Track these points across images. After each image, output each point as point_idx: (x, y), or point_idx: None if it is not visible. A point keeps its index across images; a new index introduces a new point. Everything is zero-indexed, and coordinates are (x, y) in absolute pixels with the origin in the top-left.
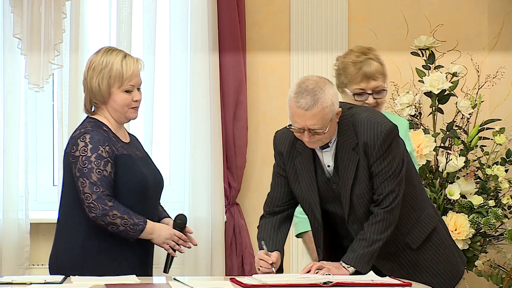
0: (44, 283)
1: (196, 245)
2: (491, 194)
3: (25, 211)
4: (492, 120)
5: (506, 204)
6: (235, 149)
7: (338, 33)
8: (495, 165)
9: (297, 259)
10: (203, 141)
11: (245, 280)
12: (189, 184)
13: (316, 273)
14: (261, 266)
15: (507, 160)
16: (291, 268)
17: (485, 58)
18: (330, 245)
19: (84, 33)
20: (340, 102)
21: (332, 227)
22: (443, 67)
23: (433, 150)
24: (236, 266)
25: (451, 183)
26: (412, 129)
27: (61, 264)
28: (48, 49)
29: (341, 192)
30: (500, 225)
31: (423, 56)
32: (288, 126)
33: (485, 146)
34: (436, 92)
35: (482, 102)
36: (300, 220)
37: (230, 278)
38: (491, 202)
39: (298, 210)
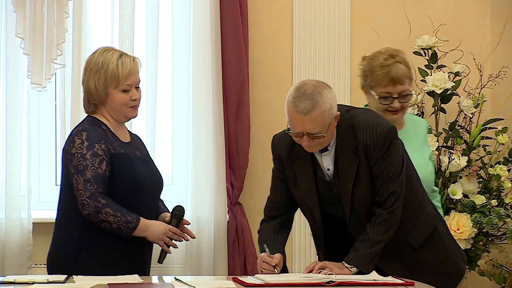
0: (47, 283)
1: (194, 237)
2: (493, 193)
3: (27, 211)
4: (495, 120)
5: (509, 204)
6: (238, 149)
7: (340, 32)
8: (497, 164)
9: (299, 259)
10: (206, 140)
11: (248, 279)
12: (191, 183)
13: (319, 272)
14: (264, 268)
15: (510, 159)
16: (293, 268)
17: (487, 58)
18: (331, 248)
19: (87, 33)
20: (337, 104)
21: (333, 229)
22: (445, 66)
23: (436, 150)
24: (239, 265)
25: (454, 182)
26: None
27: (57, 262)
28: (50, 48)
29: (341, 194)
30: (502, 225)
31: (425, 55)
32: (287, 130)
33: (488, 145)
34: (439, 91)
35: (484, 101)
36: None
37: (233, 278)
38: (494, 202)
39: None
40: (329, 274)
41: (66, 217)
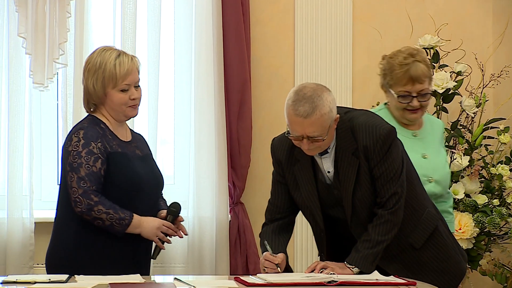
0: (49, 282)
1: (187, 235)
2: (495, 193)
3: (29, 210)
4: (497, 119)
5: (511, 203)
6: (240, 148)
7: (342, 32)
8: (499, 164)
9: (301, 259)
10: (208, 140)
11: (250, 279)
12: (193, 183)
13: (321, 272)
14: (266, 267)
15: None
16: (295, 268)
17: (489, 57)
18: (333, 250)
19: (89, 32)
20: (336, 107)
21: (335, 231)
22: (447, 66)
23: None
24: (241, 265)
25: (456, 182)
26: None
27: (56, 261)
28: (52, 48)
29: (342, 196)
30: (504, 224)
31: (427, 55)
32: (286, 134)
33: (490, 145)
34: (441, 91)
35: (486, 101)
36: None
37: (235, 277)
38: (496, 201)
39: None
40: (331, 273)
41: (64, 216)
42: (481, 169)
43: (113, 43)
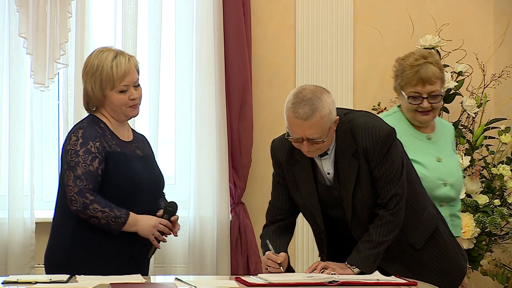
0: (49, 282)
1: (176, 236)
2: (496, 193)
3: (30, 210)
4: (498, 119)
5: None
6: (241, 148)
7: (343, 32)
8: (500, 164)
9: (301, 259)
10: (209, 140)
11: (251, 279)
12: (194, 183)
13: (321, 272)
14: (269, 266)
15: None
16: (296, 268)
17: (490, 57)
18: (334, 251)
19: (90, 32)
20: (336, 108)
21: (335, 232)
22: (448, 66)
23: None
24: (242, 265)
25: None
26: None
27: (54, 261)
28: (53, 48)
29: (343, 198)
30: (505, 224)
31: None
32: (286, 136)
33: (491, 145)
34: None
35: (487, 101)
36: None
37: (236, 277)
38: (497, 201)
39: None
40: (332, 274)
41: (62, 215)
42: (482, 169)
43: (114, 43)
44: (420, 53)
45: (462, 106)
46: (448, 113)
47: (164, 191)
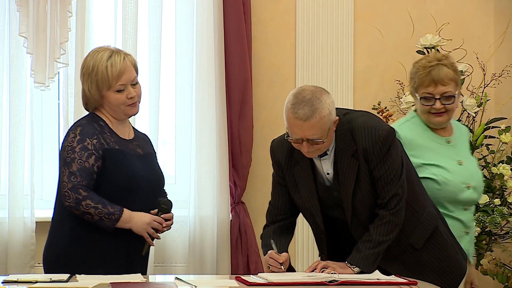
0: (50, 282)
1: (159, 238)
2: (496, 192)
3: (30, 210)
4: (498, 119)
5: None
6: (241, 148)
7: (343, 32)
8: (500, 163)
9: (302, 258)
10: (209, 139)
11: (251, 278)
12: (194, 182)
13: (322, 272)
14: (270, 265)
15: None
16: (297, 268)
17: (490, 57)
18: (333, 251)
19: (90, 32)
20: (335, 108)
21: (335, 232)
22: None
23: None
24: (242, 264)
25: None
26: None
27: (52, 258)
28: (53, 47)
29: (342, 198)
30: (505, 224)
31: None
32: (286, 136)
33: (491, 144)
34: None
35: (487, 100)
36: None
37: (236, 277)
38: (497, 201)
39: None
40: (332, 273)
41: (60, 214)
42: (482, 169)
43: (114, 42)
44: (435, 56)
45: (462, 105)
46: None
47: (165, 190)
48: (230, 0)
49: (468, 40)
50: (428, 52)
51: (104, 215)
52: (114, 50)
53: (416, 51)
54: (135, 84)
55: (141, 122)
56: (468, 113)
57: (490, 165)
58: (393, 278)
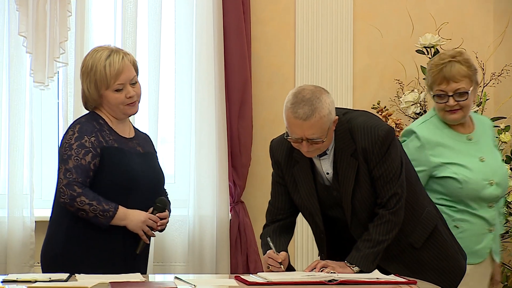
0: (49, 281)
1: (154, 236)
2: None
3: (30, 209)
4: (497, 118)
5: (511, 202)
6: (240, 147)
7: (343, 31)
8: None
9: (301, 258)
10: (208, 139)
11: (250, 278)
12: (194, 182)
13: (321, 271)
14: (270, 265)
15: None
16: (296, 267)
17: (490, 56)
18: (333, 251)
19: (89, 31)
20: (335, 108)
21: (335, 232)
22: None
23: None
24: (241, 264)
25: None
26: None
27: (49, 256)
28: (53, 47)
29: (342, 198)
30: (505, 223)
31: (428, 54)
32: (285, 136)
33: None
34: None
35: (487, 100)
36: None
37: (235, 276)
38: None
39: None
40: (331, 272)
41: (58, 213)
42: None
43: (114, 41)
44: (449, 53)
45: None
46: None
47: (165, 189)
48: (230, 0)
49: (467, 40)
50: (427, 51)
51: (99, 212)
52: (113, 49)
53: (416, 51)
54: (134, 83)
55: (140, 121)
56: None
57: None
58: (392, 278)
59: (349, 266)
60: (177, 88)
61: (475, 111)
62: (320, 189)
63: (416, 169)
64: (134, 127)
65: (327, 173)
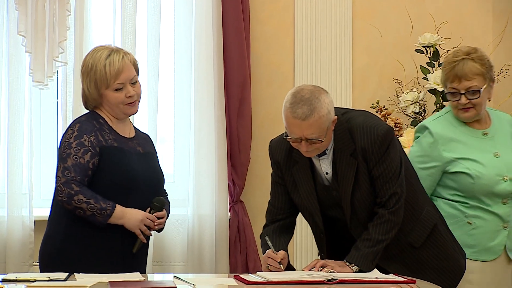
0: (48, 280)
1: (151, 235)
2: None
3: (29, 208)
4: None
5: None
6: (239, 146)
7: (342, 30)
8: None
9: (301, 257)
10: (207, 138)
11: (249, 277)
12: (193, 181)
13: (320, 270)
14: (269, 264)
15: None
16: (296, 267)
17: (489, 56)
18: (333, 251)
19: (89, 31)
20: (334, 108)
21: (335, 232)
22: None
23: None
24: (240, 263)
25: None
26: (414, 127)
27: (47, 254)
28: (52, 46)
29: (341, 198)
30: None
31: (427, 53)
32: (285, 136)
33: None
34: (440, 89)
35: None
36: None
37: (234, 276)
38: None
39: None
40: (330, 271)
41: (57, 212)
42: None
43: (113, 41)
44: (464, 49)
45: None
46: None
47: (165, 189)
48: None
49: (466, 39)
50: (427, 51)
51: (96, 210)
52: (114, 49)
53: (415, 50)
54: (134, 83)
55: (140, 120)
56: None
57: None
58: (391, 277)
59: (348, 265)
60: (176, 87)
61: None
62: (319, 189)
63: (429, 165)
64: (134, 127)
65: (327, 173)
